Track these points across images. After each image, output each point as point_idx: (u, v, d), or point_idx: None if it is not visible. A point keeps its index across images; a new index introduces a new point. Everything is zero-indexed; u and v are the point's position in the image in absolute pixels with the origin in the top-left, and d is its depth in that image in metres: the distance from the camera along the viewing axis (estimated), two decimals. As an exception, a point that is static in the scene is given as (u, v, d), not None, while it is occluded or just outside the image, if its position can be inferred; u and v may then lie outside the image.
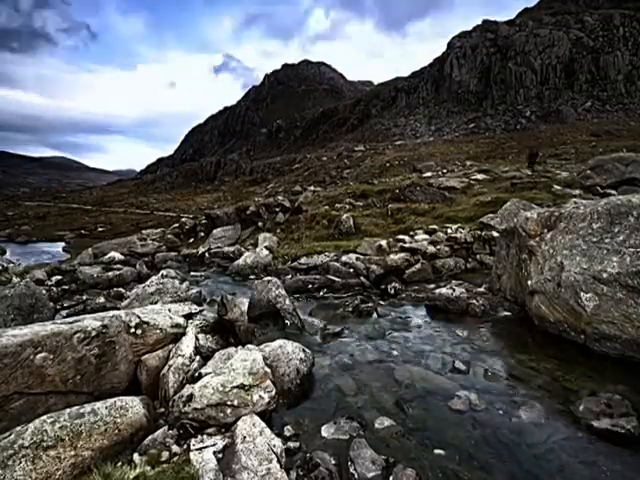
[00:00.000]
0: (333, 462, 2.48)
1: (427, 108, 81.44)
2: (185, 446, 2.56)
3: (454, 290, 5.60)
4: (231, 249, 10.70)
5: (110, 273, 8.45)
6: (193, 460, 2.36)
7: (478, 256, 7.91)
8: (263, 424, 2.64)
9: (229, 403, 2.79)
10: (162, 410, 3.09)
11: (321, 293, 6.80)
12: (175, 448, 2.55)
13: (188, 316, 4.26)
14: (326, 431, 2.82)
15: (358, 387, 3.45)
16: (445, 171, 22.30)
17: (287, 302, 5.10)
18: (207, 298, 6.83)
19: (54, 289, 7.48)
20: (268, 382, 3.05)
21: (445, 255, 7.86)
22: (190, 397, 2.82)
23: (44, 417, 2.46)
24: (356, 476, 2.38)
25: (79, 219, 45.47)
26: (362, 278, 7.21)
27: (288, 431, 2.82)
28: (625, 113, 59.25)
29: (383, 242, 8.69)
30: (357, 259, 7.81)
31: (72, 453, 2.35)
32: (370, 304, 5.76)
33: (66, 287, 7.76)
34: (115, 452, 2.51)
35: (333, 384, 3.53)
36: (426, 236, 8.75)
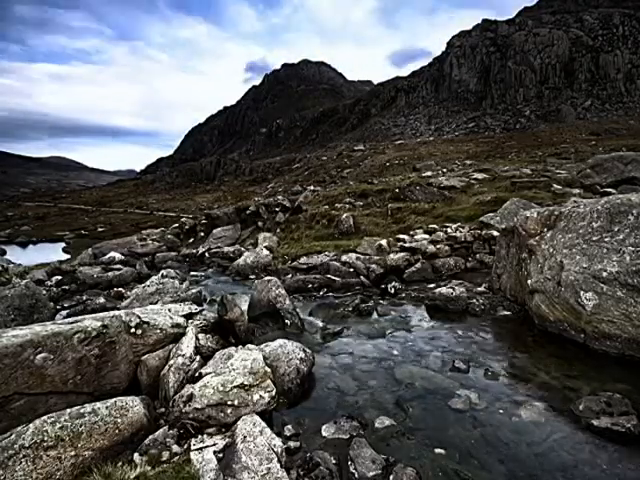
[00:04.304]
0: (333, 461, 2.49)
1: (427, 107, 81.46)
2: (185, 446, 2.57)
3: (454, 289, 5.61)
4: (231, 249, 10.70)
5: (110, 273, 8.45)
6: (193, 460, 2.37)
7: (478, 255, 7.90)
8: (263, 424, 2.64)
9: (229, 403, 2.79)
10: (162, 410, 3.09)
11: (321, 293, 6.80)
12: (175, 448, 2.55)
13: (188, 316, 4.25)
14: (326, 430, 2.82)
15: (358, 386, 3.46)
16: (445, 170, 22.27)
17: (287, 302, 5.10)
18: (207, 298, 6.83)
19: (54, 289, 7.48)
20: (268, 382, 3.05)
21: (445, 254, 7.86)
22: (190, 397, 2.82)
23: (44, 417, 2.46)
24: (356, 475, 2.38)
25: (79, 219, 45.49)
26: (362, 277, 7.21)
27: (288, 431, 2.83)
28: (625, 112, 59.28)
29: (383, 241, 8.69)
30: (357, 259, 7.81)
31: (72, 453, 2.35)
32: (370, 303, 5.76)
33: (66, 287, 7.76)
34: (115, 452, 2.51)
35: (333, 384, 3.53)
36: (426, 235, 8.74)
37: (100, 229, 36.15)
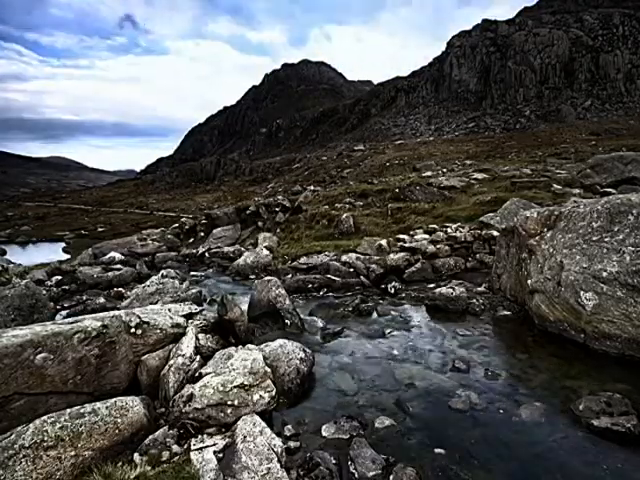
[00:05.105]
0: (333, 461, 2.49)
1: (427, 107, 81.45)
2: (185, 446, 2.57)
3: (454, 289, 5.60)
4: (231, 249, 10.70)
5: (110, 273, 8.45)
6: (193, 460, 2.37)
7: (478, 255, 7.89)
8: (263, 424, 2.64)
9: (229, 403, 2.79)
10: (162, 410, 3.09)
11: (321, 293, 6.80)
12: (175, 448, 2.55)
13: (188, 316, 4.25)
14: (326, 430, 2.82)
15: (358, 386, 3.46)
16: (445, 170, 22.26)
17: (287, 302, 5.10)
18: (207, 298, 6.83)
19: (54, 289, 7.48)
20: (268, 382, 3.05)
21: (445, 254, 7.85)
22: (190, 397, 2.82)
23: (44, 417, 2.46)
24: (356, 475, 2.38)
25: (79, 219, 45.48)
26: (362, 278, 7.21)
27: (288, 431, 2.83)
28: (625, 112, 59.28)
29: (383, 242, 8.69)
30: (357, 259, 7.81)
31: (72, 453, 2.35)
32: (370, 303, 5.76)
33: (66, 287, 7.76)
34: (115, 452, 2.51)
35: (333, 384, 3.53)
36: (426, 235, 8.74)
37: (100, 229, 36.15)
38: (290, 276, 7.72)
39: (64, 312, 6.32)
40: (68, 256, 19.30)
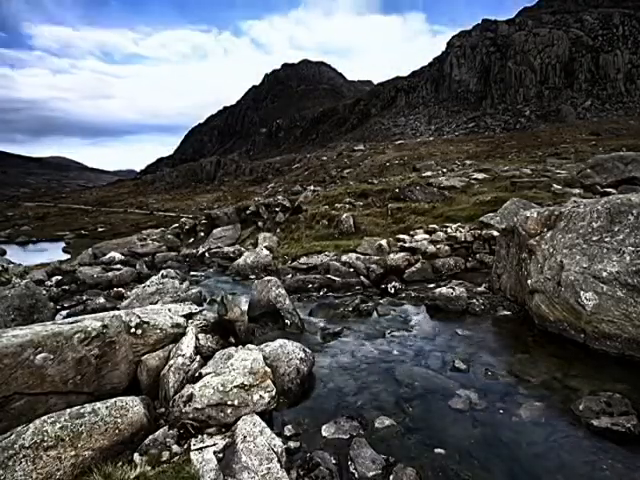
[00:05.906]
0: (333, 461, 2.49)
1: (427, 107, 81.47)
2: (185, 446, 2.57)
3: (454, 289, 5.60)
4: (231, 249, 10.70)
5: (110, 273, 8.45)
6: (193, 460, 2.37)
7: (478, 255, 7.89)
8: (263, 424, 2.64)
9: (229, 403, 2.79)
10: (162, 410, 3.09)
11: (321, 293, 6.80)
12: (175, 448, 2.55)
13: (188, 316, 4.25)
14: (326, 430, 2.82)
15: (358, 386, 3.46)
16: (445, 170, 22.25)
17: (287, 302, 5.10)
18: (207, 298, 6.83)
19: (54, 289, 7.49)
20: (268, 382, 3.05)
21: (445, 254, 7.85)
22: (190, 397, 2.82)
23: (44, 417, 2.46)
24: (356, 475, 2.38)
25: (79, 219, 45.49)
26: (362, 277, 7.21)
27: (288, 431, 2.83)
28: (625, 112, 59.29)
29: (383, 242, 8.69)
30: (357, 259, 7.81)
31: (72, 453, 2.35)
32: (370, 303, 5.76)
33: (66, 287, 7.76)
34: (115, 452, 2.51)
35: (333, 384, 3.53)
36: (426, 235, 8.74)
37: (100, 229, 36.16)
38: (290, 276, 7.72)
39: (64, 312, 6.32)
40: (68, 256, 19.31)
